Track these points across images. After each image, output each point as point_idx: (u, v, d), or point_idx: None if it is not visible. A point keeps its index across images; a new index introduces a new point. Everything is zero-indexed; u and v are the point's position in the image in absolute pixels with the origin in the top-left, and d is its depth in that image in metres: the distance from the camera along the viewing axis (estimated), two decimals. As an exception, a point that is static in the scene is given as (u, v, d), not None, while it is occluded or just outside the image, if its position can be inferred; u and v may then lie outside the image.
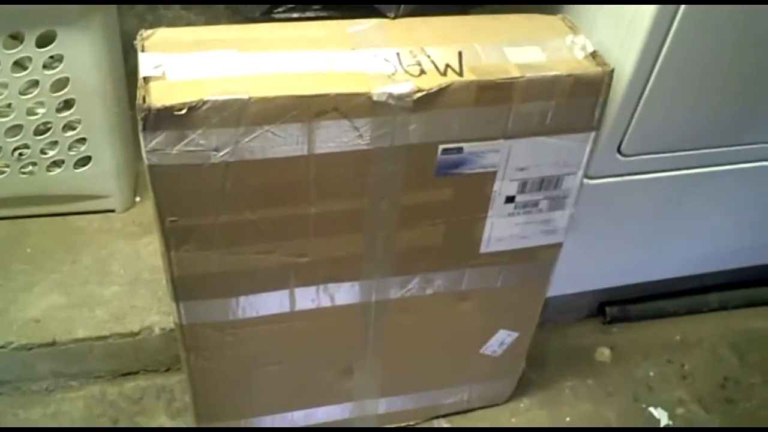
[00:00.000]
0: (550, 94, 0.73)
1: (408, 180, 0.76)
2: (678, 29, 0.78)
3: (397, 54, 0.73)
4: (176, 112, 0.64)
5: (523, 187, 0.81)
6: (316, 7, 0.87)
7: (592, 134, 0.79)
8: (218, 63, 0.68)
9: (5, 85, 1.03)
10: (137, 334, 1.07)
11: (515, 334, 1.00)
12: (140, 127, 0.64)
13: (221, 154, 0.68)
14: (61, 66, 1.02)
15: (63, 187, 1.17)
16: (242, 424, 0.99)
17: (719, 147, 0.97)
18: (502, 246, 0.87)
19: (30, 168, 1.14)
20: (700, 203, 1.05)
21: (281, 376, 0.94)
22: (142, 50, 0.69)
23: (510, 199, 0.82)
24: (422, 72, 0.71)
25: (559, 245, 0.90)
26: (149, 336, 1.07)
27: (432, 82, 0.70)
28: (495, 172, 0.79)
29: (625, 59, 0.81)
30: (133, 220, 1.23)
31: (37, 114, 1.08)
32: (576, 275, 1.09)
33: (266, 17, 0.87)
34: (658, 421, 1.14)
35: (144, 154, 0.66)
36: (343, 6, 0.85)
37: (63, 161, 1.14)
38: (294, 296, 0.83)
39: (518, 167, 0.79)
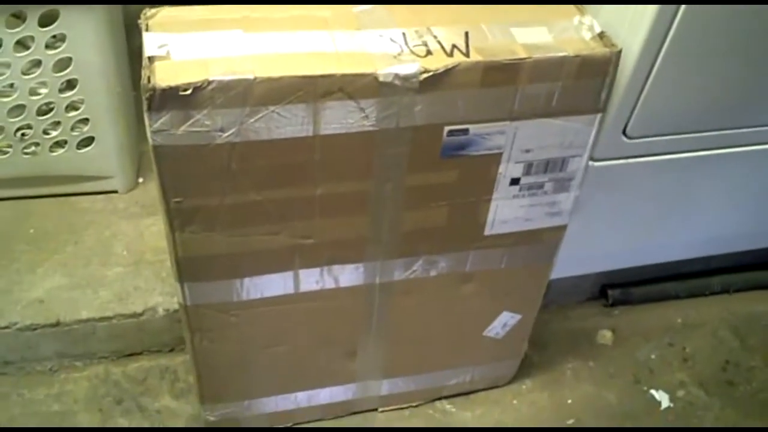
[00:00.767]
0: (557, 75, 0.73)
1: (413, 162, 0.76)
2: (686, 10, 0.78)
3: (403, 34, 0.72)
4: (181, 93, 0.63)
5: (528, 169, 0.81)
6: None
7: (599, 116, 0.78)
8: (223, 43, 0.68)
9: (8, 65, 1.02)
10: (141, 314, 1.07)
11: (518, 316, 1.01)
12: (145, 108, 0.64)
13: (226, 134, 0.68)
14: (64, 45, 1.02)
15: (66, 167, 1.17)
16: (245, 404, 0.99)
17: (725, 129, 0.96)
18: (507, 228, 0.87)
19: (33, 148, 1.13)
20: (704, 186, 1.05)
21: (285, 358, 0.94)
22: (146, 29, 0.69)
23: (515, 181, 0.82)
24: (428, 52, 0.70)
25: (563, 227, 0.90)
26: (153, 317, 1.07)
27: (438, 62, 0.69)
28: (500, 154, 0.78)
29: (632, 40, 0.80)
30: (136, 200, 1.23)
31: (39, 94, 1.07)
32: (579, 257, 1.09)
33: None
34: (659, 403, 1.15)
35: (149, 135, 0.66)
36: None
37: (66, 142, 1.14)
38: (298, 278, 0.83)
39: (524, 149, 0.79)
